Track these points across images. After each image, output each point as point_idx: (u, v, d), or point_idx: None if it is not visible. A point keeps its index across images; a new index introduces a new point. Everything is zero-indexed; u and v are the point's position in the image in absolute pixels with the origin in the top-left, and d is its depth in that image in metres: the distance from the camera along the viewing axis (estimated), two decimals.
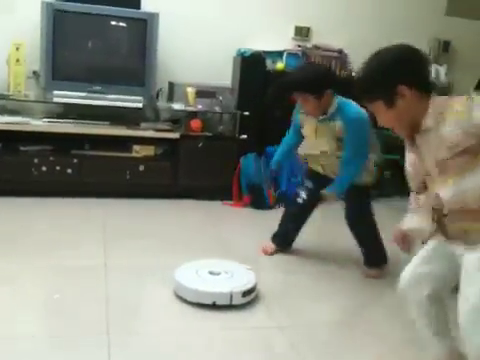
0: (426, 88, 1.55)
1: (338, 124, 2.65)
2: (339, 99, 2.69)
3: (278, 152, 3.11)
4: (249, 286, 2.39)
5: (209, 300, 2.30)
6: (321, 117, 2.68)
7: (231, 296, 2.32)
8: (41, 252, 2.76)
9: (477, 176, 1.48)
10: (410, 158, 1.66)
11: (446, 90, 4.72)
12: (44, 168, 3.65)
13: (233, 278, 2.45)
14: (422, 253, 1.73)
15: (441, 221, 1.62)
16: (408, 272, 1.74)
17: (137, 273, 2.61)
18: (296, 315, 2.35)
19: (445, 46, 4.87)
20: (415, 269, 1.73)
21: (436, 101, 1.54)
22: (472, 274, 1.54)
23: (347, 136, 2.64)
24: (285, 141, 3.07)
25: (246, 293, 2.36)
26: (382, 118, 1.60)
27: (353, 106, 2.65)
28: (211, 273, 2.48)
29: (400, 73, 1.54)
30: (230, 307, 2.31)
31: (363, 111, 2.57)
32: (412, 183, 1.71)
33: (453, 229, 1.59)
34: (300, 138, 2.93)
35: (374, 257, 2.90)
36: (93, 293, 2.35)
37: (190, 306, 2.32)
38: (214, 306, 2.29)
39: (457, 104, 1.50)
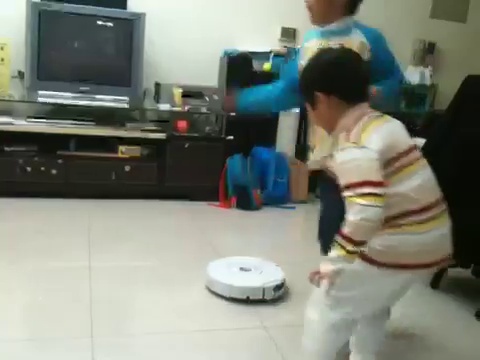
0: (348, 98, 1.59)
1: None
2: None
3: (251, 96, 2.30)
4: (279, 281, 2.49)
5: (243, 295, 2.40)
6: None
7: (263, 291, 2.42)
8: (24, 254, 2.73)
9: None
10: None
11: (432, 91, 4.78)
12: (29, 169, 3.62)
13: (263, 274, 2.56)
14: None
15: None
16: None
17: (122, 275, 2.60)
18: None
19: (430, 48, 4.92)
20: None
21: (353, 115, 1.58)
22: None
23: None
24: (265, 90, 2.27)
25: (277, 288, 2.47)
26: (309, 115, 1.74)
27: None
28: (242, 269, 2.59)
29: (320, 81, 1.62)
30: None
31: None
32: None
33: None
34: (289, 100, 2.12)
35: None
36: (77, 296, 2.33)
37: (174, 307, 2.31)
38: (248, 301, 2.39)
39: (347, 136, 1.53)
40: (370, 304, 1.64)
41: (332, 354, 1.68)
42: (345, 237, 1.43)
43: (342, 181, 1.48)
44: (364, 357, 1.82)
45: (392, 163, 1.50)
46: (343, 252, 1.43)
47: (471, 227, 2.39)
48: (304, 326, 1.69)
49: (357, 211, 1.41)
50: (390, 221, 1.48)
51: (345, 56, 1.68)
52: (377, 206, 1.41)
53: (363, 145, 1.48)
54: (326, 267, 1.48)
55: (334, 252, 1.45)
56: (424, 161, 1.61)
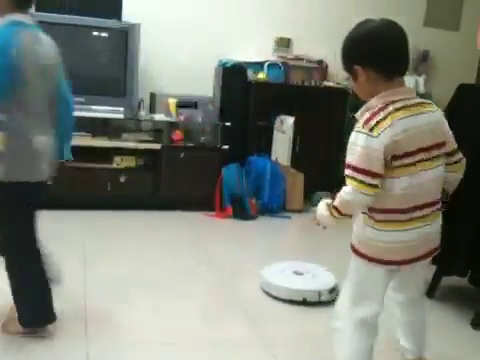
0: (385, 72, 1.57)
1: None
2: None
3: None
4: (333, 284, 2.59)
5: (300, 297, 2.52)
6: None
7: (319, 293, 2.53)
8: None
9: None
10: None
11: (426, 99, 4.79)
12: None
13: (316, 277, 2.68)
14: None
15: None
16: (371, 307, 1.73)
17: (118, 287, 2.59)
18: None
19: (424, 56, 4.95)
20: None
21: (384, 96, 1.56)
22: None
23: None
24: None
25: (332, 290, 2.56)
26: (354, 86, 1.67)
27: None
28: (296, 273, 2.71)
29: (356, 54, 1.60)
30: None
31: None
32: None
33: None
34: None
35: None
36: (72, 308, 2.32)
37: (170, 320, 2.30)
38: (304, 302, 2.50)
39: (367, 119, 1.54)
40: (376, 296, 1.68)
41: (367, 356, 1.70)
42: (334, 207, 1.60)
43: (347, 158, 1.59)
44: (409, 341, 1.91)
45: (393, 160, 1.52)
46: (333, 215, 1.61)
47: (466, 235, 2.40)
48: (333, 338, 1.74)
49: (349, 191, 1.55)
50: (373, 213, 1.58)
51: (384, 28, 1.65)
52: (367, 194, 1.52)
53: (375, 134, 1.50)
54: (322, 213, 1.65)
55: (327, 212, 1.62)
56: (438, 162, 1.60)
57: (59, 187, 3.69)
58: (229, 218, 3.92)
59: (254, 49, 4.39)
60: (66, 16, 3.64)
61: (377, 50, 1.58)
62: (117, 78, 3.84)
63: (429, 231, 1.62)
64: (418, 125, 1.55)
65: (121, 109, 3.83)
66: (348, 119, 4.53)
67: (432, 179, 1.58)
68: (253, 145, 4.24)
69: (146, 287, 2.63)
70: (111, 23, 3.78)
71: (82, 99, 3.73)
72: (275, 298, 2.57)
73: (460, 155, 1.70)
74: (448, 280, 2.78)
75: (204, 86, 4.29)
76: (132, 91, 3.84)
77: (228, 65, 4.20)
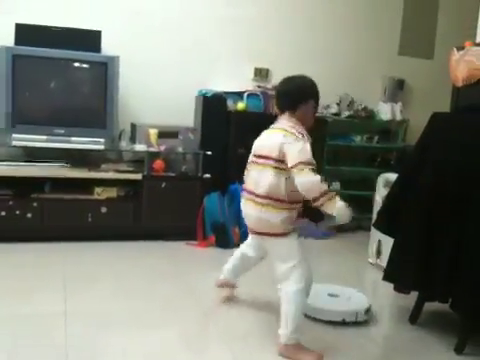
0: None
1: None
2: None
3: None
4: (367, 305, 2.77)
5: (339, 317, 2.66)
6: None
7: (357, 314, 2.68)
8: None
9: None
10: None
11: (403, 126, 4.89)
12: (3, 213, 3.58)
13: (351, 299, 2.85)
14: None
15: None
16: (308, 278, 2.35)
17: (99, 319, 2.55)
18: None
19: (399, 84, 5.06)
20: None
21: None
22: None
23: None
24: None
25: (367, 311, 2.73)
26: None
27: None
28: (330, 295, 2.87)
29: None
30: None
31: None
32: None
33: None
34: None
35: None
36: (51, 342, 2.27)
37: (153, 351, 2.27)
38: (343, 323, 2.65)
39: None
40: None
41: None
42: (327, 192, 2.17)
43: (304, 157, 2.20)
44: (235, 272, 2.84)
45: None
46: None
47: (445, 261, 2.42)
48: (289, 298, 2.23)
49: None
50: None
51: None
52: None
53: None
54: (348, 212, 2.22)
55: (340, 203, 2.19)
56: (260, 167, 2.30)
57: (40, 218, 3.69)
58: (212, 247, 3.91)
59: (233, 79, 4.45)
60: (45, 49, 3.66)
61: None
62: (97, 110, 3.85)
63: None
64: (261, 138, 2.43)
65: (101, 140, 3.84)
66: (327, 146, 4.60)
67: (261, 179, 2.27)
68: (234, 173, 4.24)
69: (128, 318, 2.59)
70: (90, 56, 3.81)
71: (62, 131, 3.74)
72: (314, 320, 2.68)
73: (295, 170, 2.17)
74: (431, 306, 2.80)
75: (184, 116, 4.33)
76: (112, 122, 3.85)
77: (208, 95, 4.25)
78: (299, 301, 2.25)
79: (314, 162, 2.18)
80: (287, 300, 2.26)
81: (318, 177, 2.15)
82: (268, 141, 2.29)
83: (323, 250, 4.17)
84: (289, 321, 2.24)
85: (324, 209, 2.14)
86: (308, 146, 2.21)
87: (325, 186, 2.15)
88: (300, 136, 2.22)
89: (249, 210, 2.33)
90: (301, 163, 2.14)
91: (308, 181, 2.14)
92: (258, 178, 2.28)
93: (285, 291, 2.27)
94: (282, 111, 2.37)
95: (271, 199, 2.23)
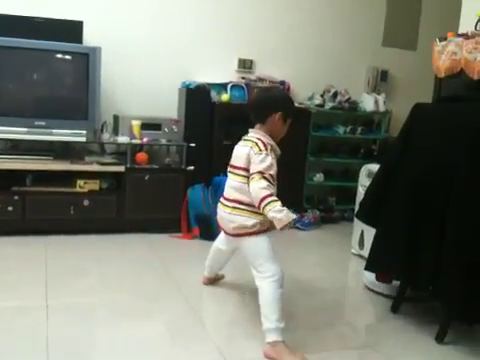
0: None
1: None
2: None
3: None
4: None
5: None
6: None
7: None
8: None
9: None
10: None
11: (386, 117, 4.92)
12: None
13: None
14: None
15: None
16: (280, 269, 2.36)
17: (81, 312, 2.54)
18: None
19: (383, 75, 5.08)
20: None
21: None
22: None
23: None
24: None
25: None
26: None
27: None
28: None
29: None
30: None
31: None
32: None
33: None
34: None
35: None
36: (34, 335, 2.25)
37: (136, 344, 2.26)
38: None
39: None
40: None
41: None
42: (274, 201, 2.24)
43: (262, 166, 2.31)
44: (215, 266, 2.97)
45: None
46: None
47: (428, 249, 2.44)
48: (265, 290, 2.28)
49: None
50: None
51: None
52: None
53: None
54: (284, 217, 2.19)
55: (275, 208, 2.20)
56: (232, 175, 2.48)
57: (21, 212, 3.65)
58: (196, 239, 3.90)
59: (217, 71, 4.43)
60: (25, 40, 3.59)
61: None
62: (79, 101, 3.80)
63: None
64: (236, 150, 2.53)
65: (83, 132, 3.79)
66: (311, 137, 4.60)
67: (232, 185, 2.46)
68: (218, 165, 4.24)
69: (112, 311, 2.58)
70: (71, 47, 3.75)
71: (43, 123, 3.69)
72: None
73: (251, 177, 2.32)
74: (412, 295, 2.82)
75: (168, 108, 4.30)
76: (94, 114, 3.81)
77: (192, 87, 4.22)
78: (275, 291, 2.27)
79: (271, 172, 2.30)
80: (263, 293, 2.29)
81: (263, 183, 2.25)
82: (239, 152, 2.45)
83: (307, 241, 4.19)
84: (270, 311, 2.24)
85: (266, 214, 2.25)
86: (269, 158, 2.32)
87: (267, 192, 2.24)
88: (263, 148, 2.34)
89: (221, 212, 2.53)
90: (258, 172, 2.29)
91: (253, 188, 2.28)
92: (230, 185, 2.48)
93: (260, 285, 2.32)
94: (254, 122, 2.49)
95: (240, 203, 2.40)
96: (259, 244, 2.38)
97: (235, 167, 2.46)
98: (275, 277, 2.29)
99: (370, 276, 3.02)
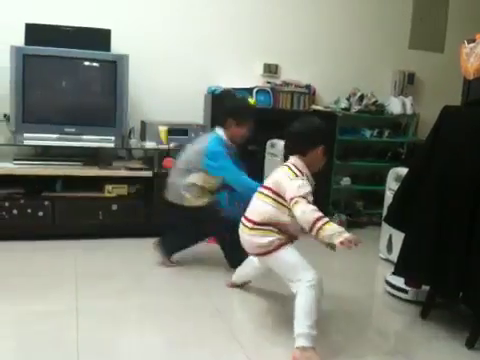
0: None
1: None
2: None
3: None
4: None
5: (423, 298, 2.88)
6: None
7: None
8: (9, 298, 2.71)
9: None
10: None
11: (414, 120, 4.86)
12: (15, 211, 3.61)
13: None
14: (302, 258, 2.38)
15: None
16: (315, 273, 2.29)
17: (111, 317, 2.57)
18: None
19: (410, 78, 5.02)
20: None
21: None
22: None
23: None
24: None
25: None
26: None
27: None
28: None
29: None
30: None
31: None
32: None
33: None
34: None
35: None
36: (63, 339, 2.29)
37: (166, 350, 2.28)
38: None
39: None
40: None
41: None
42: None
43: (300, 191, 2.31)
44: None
45: None
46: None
47: (455, 255, 2.41)
48: (300, 297, 2.24)
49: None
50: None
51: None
52: None
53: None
54: (342, 237, 2.13)
55: (331, 229, 2.16)
56: (262, 196, 2.47)
57: (51, 217, 3.72)
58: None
59: (243, 76, 4.45)
60: (55, 49, 3.68)
61: None
62: (107, 108, 3.87)
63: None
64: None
65: (112, 138, 3.86)
66: (337, 141, 4.58)
67: (254, 204, 2.51)
68: (244, 169, 4.25)
69: (140, 315, 2.62)
70: (100, 55, 3.82)
71: (73, 129, 3.77)
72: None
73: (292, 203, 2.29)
74: (441, 301, 2.78)
75: (194, 113, 4.34)
76: (122, 120, 3.87)
77: (217, 92, 4.25)
78: (308, 298, 2.22)
79: (310, 198, 2.29)
80: (299, 298, 2.25)
81: (311, 206, 2.24)
82: (274, 173, 2.47)
83: None
84: (304, 317, 2.20)
85: (319, 239, 2.21)
86: (307, 185, 2.33)
87: (316, 215, 2.21)
88: (300, 174, 2.37)
89: (241, 234, 2.53)
90: (300, 197, 2.27)
91: (303, 210, 2.25)
92: (253, 204, 2.51)
93: (297, 291, 2.28)
94: (292, 152, 2.48)
95: (255, 223, 2.43)
96: (283, 258, 2.39)
97: (264, 187, 2.49)
98: (312, 282, 2.24)
99: (392, 281, 3.01)
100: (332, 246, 2.25)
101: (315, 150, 2.44)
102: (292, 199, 2.29)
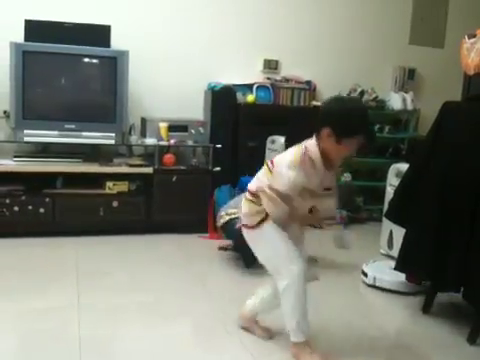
0: None
1: None
2: None
3: None
4: None
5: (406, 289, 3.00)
6: None
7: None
8: (10, 294, 2.71)
9: None
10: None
11: (414, 116, 4.85)
12: (16, 208, 3.61)
13: None
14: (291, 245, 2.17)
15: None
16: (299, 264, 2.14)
17: (112, 312, 2.58)
18: None
19: (410, 74, 5.01)
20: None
21: None
22: None
23: None
24: None
25: None
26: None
27: None
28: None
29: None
30: None
31: None
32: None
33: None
34: None
35: None
36: (65, 335, 2.30)
37: (166, 345, 2.29)
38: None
39: None
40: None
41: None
42: None
43: None
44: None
45: None
46: None
47: (456, 250, 2.41)
48: (282, 295, 2.14)
49: None
50: None
51: None
52: None
53: None
54: None
55: None
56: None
57: (52, 213, 3.72)
58: (223, 239, 3.91)
59: (242, 72, 4.44)
60: (54, 45, 3.67)
61: None
62: (107, 104, 3.86)
63: None
64: None
65: (112, 135, 3.85)
66: None
67: None
68: (245, 166, 4.24)
69: (141, 311, 2.62)
70: (100, 51, 3.81)
71: (73, 126, 3.76)
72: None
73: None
74: (443, 296, 2.79)
75: (194, 109, 4.33)
76: (122, 117, 3.86)
77: (217, 88, 4.25)
78: (290, 296, 2.14)
79: (280, 189, 2.11)
80: (284, 290, 2.16)
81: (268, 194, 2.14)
82: (285, 154, 2.22)
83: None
84: (287, 318, 2.19)
85: None
86: (289, 177, 2.08)
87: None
88: (296, 162, 2.09)
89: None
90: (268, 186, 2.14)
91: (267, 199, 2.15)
92: (256, 176, 2.29)
93: (281, 283, 2.17)
94: (316, 132, 2.14)
95: (254, 195, 2.21)
96: (267, 237, 2.23)
97: (270, 160, 2.26)
98: (294, 277, 2.14)
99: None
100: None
101: (323, 131, 2.09)
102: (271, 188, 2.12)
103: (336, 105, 2.16)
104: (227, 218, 3.37)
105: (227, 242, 3.57)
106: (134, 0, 4.22)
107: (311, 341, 2.21)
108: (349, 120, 2.05)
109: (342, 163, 2.31)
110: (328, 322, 2.58)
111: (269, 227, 2.16)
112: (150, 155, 4.06)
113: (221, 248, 3.62)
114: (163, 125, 4.01)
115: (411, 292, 2.98)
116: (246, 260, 3.17)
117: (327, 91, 4.73)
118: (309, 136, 2.19)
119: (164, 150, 4.04)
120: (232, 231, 3.28)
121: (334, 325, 2.58)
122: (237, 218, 3.26)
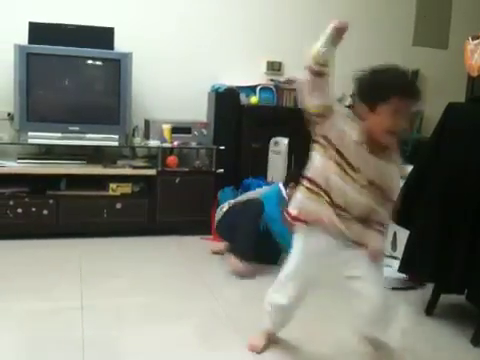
0: None
1: None
2: None
3: None
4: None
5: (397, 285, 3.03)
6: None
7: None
8: (15, 296, 2.71)
9: None
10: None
11: (418, 117, 4.84)
12: (20, 210, 3.62)
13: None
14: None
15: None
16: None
17: (115, 314, 2.58)
18: None
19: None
20: None
21: None
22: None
23: None
24: None
25: None
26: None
27: None
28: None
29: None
30: None
31: None
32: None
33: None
34: None
35: None
36: (68, 337, 2.30)
37: (169, 346, 2.29)
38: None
39: None
40: None
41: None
42: None
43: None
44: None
45: None
46: None
47: (461, 251, 2.41)
48: (266, 295, 2.21)
49: None
50: None
51: None
52: None
53: None
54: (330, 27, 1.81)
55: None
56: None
57: (56, 215, 3.73)
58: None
59: (246, 74, 4.44)
60: (58, 47, 3.68)
61: None
62: (111, 106, 3.87)
63: None
64: None
65: (115, 136, 3.86)
66: None
67: None
68: (248, 167, 4.25)
69: (144, 312, 2.62)
70: (103, 53, 3.82)
71: (76, 128, 3.77)
72: None
73: None
74: (447, 297, 2.78)
75: (197, 111, 4.33)
76: (126, 118, 3.87)
77: (221, 90, 4.25)
78: (272, 316, 2.24)
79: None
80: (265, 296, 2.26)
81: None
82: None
83: None
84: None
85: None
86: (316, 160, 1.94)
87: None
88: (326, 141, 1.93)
89: None
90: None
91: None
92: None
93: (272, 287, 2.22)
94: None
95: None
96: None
97: None
98: (279, 301, 2.18)
99: None
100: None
101: (378, 102, 1.80)
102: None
103: (362, 73, 1.94)
104: (220, 214, 3.48)
105: (220, 246, 3.57)
106: (137, 2, 4.23)
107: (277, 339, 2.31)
108: (375, 80, 1.84)
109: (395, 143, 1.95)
110: (329, 323, 2.58)
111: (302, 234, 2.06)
112: (153, 157, 4.07)
113: (215, 252, 3.61)
114: (166, 127, 4.01)
115: (410, 287, 3.04)
116: (243, 255, 3.20)
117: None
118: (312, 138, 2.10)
119: (167, 152, 4.05)
120: (226, 228, 3.42)
121: (335, 326, 2.57)
122: (228, 211, 3.46)
